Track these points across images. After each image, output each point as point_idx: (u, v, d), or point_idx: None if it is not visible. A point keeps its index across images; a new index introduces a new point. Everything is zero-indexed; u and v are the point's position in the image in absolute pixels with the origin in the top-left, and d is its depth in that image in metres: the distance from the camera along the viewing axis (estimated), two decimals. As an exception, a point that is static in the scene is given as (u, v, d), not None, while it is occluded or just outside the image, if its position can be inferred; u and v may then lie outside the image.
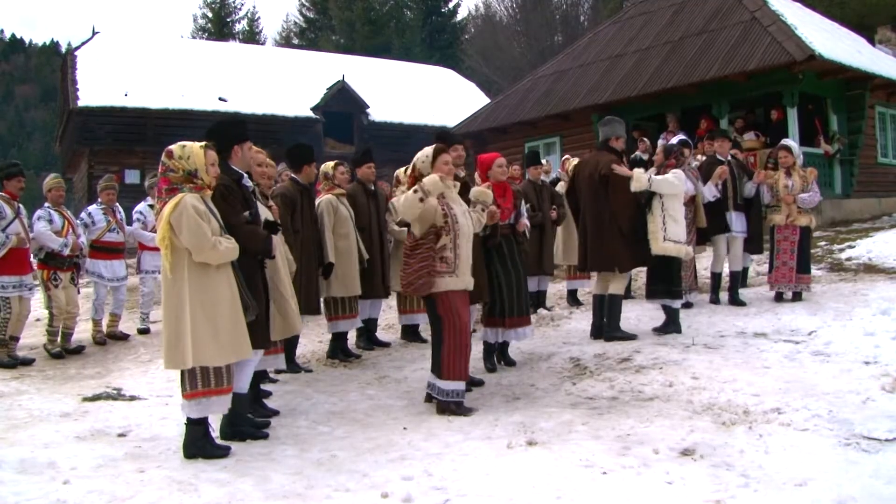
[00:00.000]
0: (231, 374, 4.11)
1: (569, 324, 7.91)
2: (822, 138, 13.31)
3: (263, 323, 4.47)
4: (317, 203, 6.82)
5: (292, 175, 6.70)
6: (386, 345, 7.58)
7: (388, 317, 8.58)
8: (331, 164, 7.08)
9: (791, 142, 8.10)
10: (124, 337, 8.30)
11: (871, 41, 18.37)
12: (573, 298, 9.14)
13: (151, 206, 8.70)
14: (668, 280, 6.78)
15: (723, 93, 13.75)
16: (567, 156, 13.82)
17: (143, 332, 8.56)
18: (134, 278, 9.41)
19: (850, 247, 10.33)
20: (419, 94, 28.40)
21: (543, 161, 13.06)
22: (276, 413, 5.02)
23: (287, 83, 25.65)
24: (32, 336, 7.95)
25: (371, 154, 7.69)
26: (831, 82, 13.49)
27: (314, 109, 25.27)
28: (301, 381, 6.09)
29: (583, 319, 7.98)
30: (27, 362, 7.07)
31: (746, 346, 6.11)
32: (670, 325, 6.74)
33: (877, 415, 4.26)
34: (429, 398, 5.07)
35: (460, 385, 4.93)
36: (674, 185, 6.64)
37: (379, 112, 26.45)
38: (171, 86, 23.28)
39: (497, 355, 6.34)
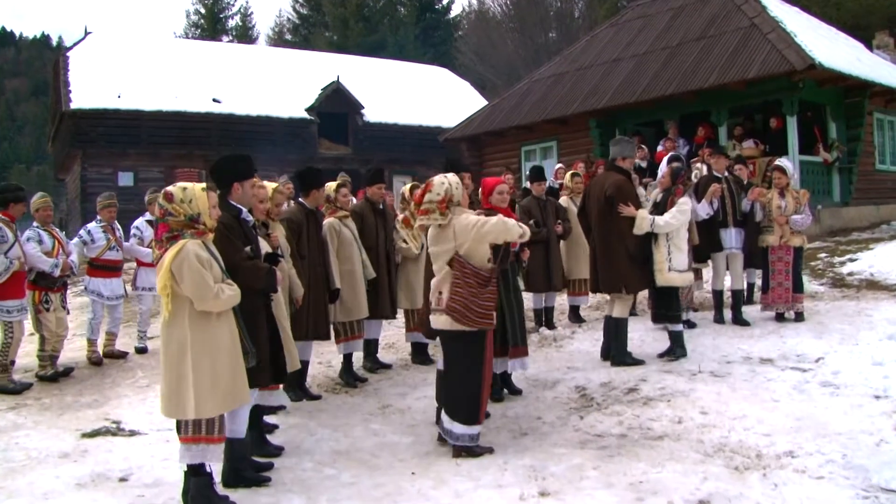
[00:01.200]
0: (223, 424, 4.02)
1: (571, 345, 7.84)
2: (822, 146, 13.26)
3: (266, 362, 4.37)
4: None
5: (299, 199, 6.63)
6: (387, 367, 7.50)
7: (387, 334, 8.50)
8: (332, 185, 6.98)
9: (786, 162, 8.05)
10: (122, 355, 8.20)
11: (869, 45, 18.34)
12: (575, 315, 9.06)
13: (150, 222, 8.60)
14: (667, 305, 6.77)
15: (722, 100, 13.68)
16: (560, 165, 13.83)
17: (141, 350, 8.46)
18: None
19: (852, 260, 10.29)
20: (414, 94, 28.27)
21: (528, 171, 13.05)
22: (280, 451, 4.94)
23: (281, 84, 25.47)
24: (26, 355, 7.81)
25: (382, 175, 7.63)
26: (830, 90, 13.43)
27: (309, 110, 25.10)
28: (304, 411, 6.00)
29: (585, 340, 7.93)
30: (25, 387, 6.95)
31: (754, 375, 6.05)
32: (676, 349, 6.68)
33: (892, 460, 4.21)
34: (442, 440, 4.96)
35: (480, 428, 4.85)
36: (674, 225, 6.63)
37: (374, 113, 26.30)
38: (165, 87, 23.07)
39: (501, 382, 6.27)
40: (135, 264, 8.72)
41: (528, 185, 8.91)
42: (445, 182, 4.86)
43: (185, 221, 3.92)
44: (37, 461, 4.85)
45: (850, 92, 13.63)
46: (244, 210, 4.45)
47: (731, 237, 7.99)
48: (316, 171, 6.75)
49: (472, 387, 4.73)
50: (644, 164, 13.91)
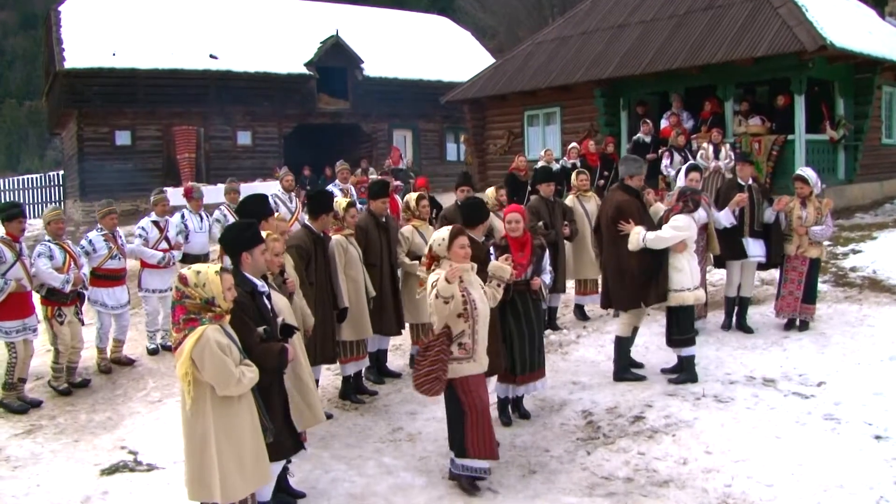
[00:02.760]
0: (254, 499, 4.14)
1: (577, 351, 7.95)
2: (828, 124, 13.14)
3: (285, 434, 4.47)
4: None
5: (306, 222, 6.63)
6: (397, 375, 7.62)
7: (397, 339, 8.58)
8: (342, 203, 6.93)
9: (809, 171, 7.96)
10: (129, 362, 8.31)
11: (881, 12, 17.93)
12: (581, 312, 9.16)
13: (155, 223, 8.60)
14: (675, 327, 6.81)
15: (729, 75, 13.48)
16: (574, 144, 13.72)
17: (153, 352, 8.56)
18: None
19: (855, 252, 10.33)
20: (414, 46, 27.74)
21: (542, 152, 12.97)
22: (302, 496, 5.06)
23: (279, 38, 24.96)
24: (41, 364, 7.91)
25: (387, 189, 7.57)
26: (840, 66, 13.22)
27: (307, 65, 24.66)
28: (317, 436, 6.10)
29: (590, 346, 8.04)
30: (35, 405, 7.07)
31: (756, 402, 6.17)
32: (683, 374, 6.76)
33: (890, 523, 4.35)
34: (452, 476, 5.13)
35: (486, 463, 5.02)
36: (667, 240, 6.60)
37: (373, 67, 25.86)
38: (160, 44, 22.60)
39: (512, 405, 6.40)
40: (139, 266, 8.72)
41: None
42: (433, 239, 5.08)
43: (202, 305, 3.93)
44: (60, 509, 4.99)
45: (860, 68, 13.42)
46: (258, 284, 4.44)
47: (749, 246, 7.96)
48: (327, 195, 6.72)
49: (456, 425, 5.06)
50: (648, 140, 13.83)
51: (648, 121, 13.93)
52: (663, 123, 14.17)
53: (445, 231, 5.06)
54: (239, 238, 4.45)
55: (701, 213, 7.47)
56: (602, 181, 12.96)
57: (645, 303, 6.85)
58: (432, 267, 5.08)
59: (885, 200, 13.79)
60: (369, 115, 26.26)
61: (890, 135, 15.14)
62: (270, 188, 21.73)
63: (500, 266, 5.39)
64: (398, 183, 21.20)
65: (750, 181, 8.00)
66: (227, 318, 4.05)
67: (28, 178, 26.70)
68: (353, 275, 6.82)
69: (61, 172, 27.03)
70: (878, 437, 5.41)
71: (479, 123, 19.71)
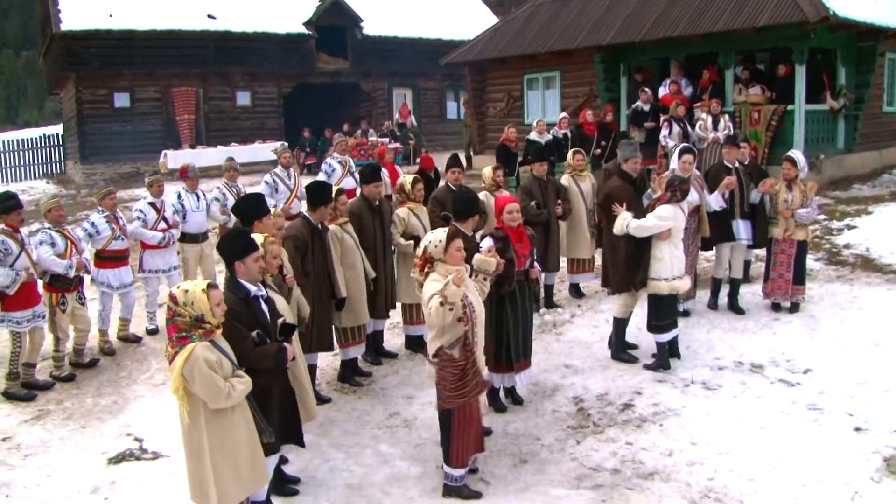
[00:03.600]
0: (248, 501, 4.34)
1: (571, 332, 8.11)
2: (829, 94, 13.07)
3: (286, 423, 4.65)
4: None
5: (304, 213, 6.70)
6: (393, 356, 7.81)
7: (394, 318, 8.73)
8: (333, 190, 7.00)
9: (797, 154, 8.00)
10: (137, 339, 8.51)
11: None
12: (576, 290, 9.29)
13: (151, 204, 8.68)
14: (652, 315, 6.94)
15: (729, 43, 13.36)
16: (564, 115, 13.68)
17: (152, 332, 8.74)
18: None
19: (850, 227, 10.41)
20: (414, 4, 27.28)
21: (534, 122, 12.94)
22: (297, 480, 5.27)
23: (277, -5, 24.64)
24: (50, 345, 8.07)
25: (379, 173, 7.65)
26: (842, 35, 13.09)
27: (307, 24, 24.38)
28: (316, 422, 6.26)
29: (584, 327, 8.20)
30: (47, 387, 7.28)
31: (744, 390, 6.34)
32: (657, 360, 6.90)
33: (863, 520, 4.55)
34: (448, 491, 5.17)
35: (463, 471, 5.15)
36: (649, 229, 6.70)
37: (373, 25, 25.56)
38: (157, 4, 22.33)
39: (505, 391, 6.56)
40: (139, 248, 8.84)
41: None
42: (429, 240, 5.04)
43: (192, 322, 4.07)
44: (70, 501, 5.21)
45: (863, 36, 13.28)
46: (252, 289, 4.56)
47: (739, 229, 8.08)
48: (326, 187, 6.78)
49: (445, 438, 5.10)
50: (647, 108, 13.78)
51: (647, 89, 13.86)
52: (662, 91, 14.11)
53: (441, 233, 5.07)
54: (231, 248, 4.55)
55: (693, 195, 7.57)
56: (598, 150, 12.96)
57: (634, 288, 7.00)
58: (425, 269, 5.14)
59: (884, 170, 13.80)
60: (369, 74, 26.04)
61: (891, 102, 15.06)
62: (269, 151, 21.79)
63: (485, 259, 5.35)
64: (397, 145, 21.28)
65: (737, 164, 8.07)
66: (219, 332, 4.18)
67: (27, 139, 26.53)
68: (350, 262, 6.94)
69: (60, 132, 26.92)
70: (857, 430, 5.59)
71: (478, 86, 19.60)
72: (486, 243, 5.86)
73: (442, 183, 8.50)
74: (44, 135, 27.56)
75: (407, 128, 23.00)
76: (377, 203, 7.43)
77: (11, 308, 6.99)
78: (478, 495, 5.14)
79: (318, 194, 6.59)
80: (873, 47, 13.28)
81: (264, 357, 4.42)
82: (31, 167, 26.10)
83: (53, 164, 26.43)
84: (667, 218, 6.64)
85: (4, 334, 7.47)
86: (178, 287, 4.14)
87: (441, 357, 4.95)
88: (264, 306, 4.62)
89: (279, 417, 4.69)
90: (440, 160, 21.72)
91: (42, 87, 41.66)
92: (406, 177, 7.90)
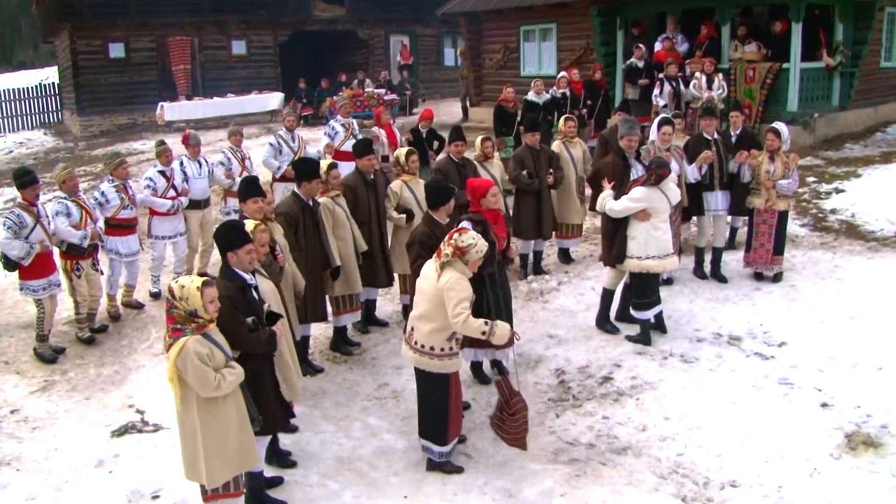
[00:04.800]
0: (239, 478, 4.63)
1: (557, 299, 8.34)
2: (825, 51, 13.01)
3: (274, 413, 4.92)
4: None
5: (294, 190, 6.86)
6: (384, 324, 8.07)
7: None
8: (325, 165, 7.15)
9: (781, 125, 8.09)
10: (140, 306, 8.81)
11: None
12: (565, 255, 9.50)
13: (161, 172, 8.84)
14: (633, 291, 7.15)
15: (727, -1, 13.24)
16: (563, 74, 13.61)
17: (156, 295, 9.01)
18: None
19: (838, 191, 10.54)
20: (411, -54, 26.76)
21: (532, 83, 12.90)
22: (293, 463, 5.57)
23: (272, -61, 24.15)
24: (66, 310, 8.34)
25: (371, 146, 7.78)
26: (841, -10, 12.96)
27: (301, -30, 23.98)
28: (309, 392, 6.58)
29: (570, 294, 8.43)
30: (60, 351, 7.68)
31: (720, 364, 6.60)
32: (640, 336, 7.11)
33: (815, 499, 4.83)
34: (433, 466, 5.44)
35: (451, 446, 5.44)
36: (619, 211, 6.85)
37: (369, -30, 25.13)
38: (150, -49, 21.95)
39: (491, 362, 6.83)
40: (148, 213, 9.03)
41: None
42: (476, 241, 5.05)
43: (186, 316, 4.30)
44: (77, 474, 5.52)
45: (862, -9, 13.14)
46: (247, 278, 4.77)
47: (718, 199, 8.26)
48: (311, 162, 6.93)
49: (439, 417, 5.28)
50: (641, 65, 13.71)
51: (642, 45, 13.77)
52: (657, 47, 14.03)
53: (485, 245, 5.12)
54: (223, 240, 4.78)
55: (673, 166, 7.71)
56: (585, 109, 12.97)
57: (608, 263, 7.22)
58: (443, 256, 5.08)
59: (878, 127, 13.82)
60: (365, 21, 25.72)
61: (889, 57, 14.94)
62: (269, 101, 21.71)
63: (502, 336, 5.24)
64: (394, 96, 21.18)
65: (715, 135, 8.18)
66: (212, 325, 4.41)
67: (24, 89, 26.41)
68: (340, 233, 7.11)
69: (56, 81, 26.76)
70: (824, 405, 5.85)
71: (475, 37, 19.44)
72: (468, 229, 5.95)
73: (444, 154, 8.60)
74: (40, 83, 27.42)
75: (403, 77, 22.87)
76: (371, 177, 7.58)
77: (28, 277, 7.34)
78: (460, 470, 5.44)
79: (304, 170, 6.74)
80: (872, 2, 13.13)
81: (258, 342, 4.67)
82: (28, 116, 26.06)
83: (50, 114, 26.36)
84: (640, 200, 6.76)
85: (25, 303, 7.78)
86: (176, 281, 4.36)
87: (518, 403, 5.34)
88: (255, 294, 4.84)
89: (274, 399, 4.95)
90: (437, 109, 21.68)
91: (37, 25, 41.17)
92: (401, 150, 8.01)
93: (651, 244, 6.84)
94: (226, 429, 4.43)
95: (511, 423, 5.35)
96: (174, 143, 10.44)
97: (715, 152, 8.09)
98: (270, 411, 4.90)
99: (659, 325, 7.24)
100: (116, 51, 22.09)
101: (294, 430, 5.76)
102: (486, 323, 4.99)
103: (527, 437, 5.41)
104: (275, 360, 5.13)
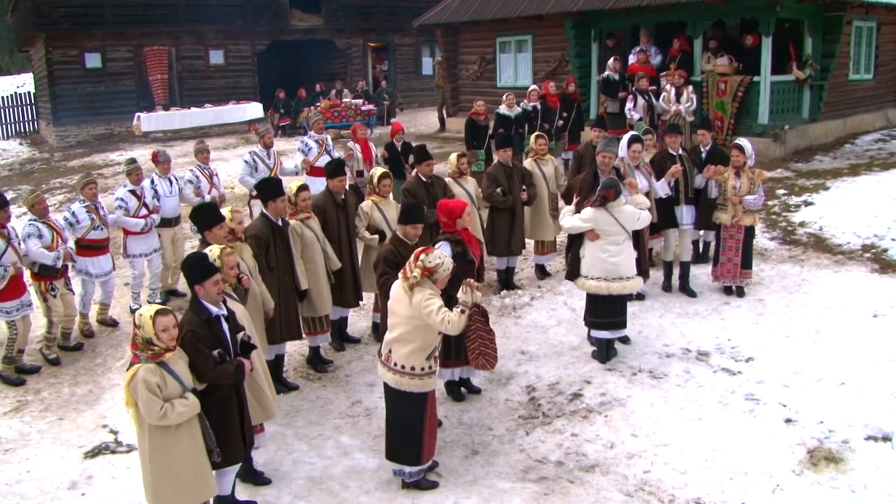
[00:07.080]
0: (209, 504, 4.69)
1: (529, 314, 8.42)
2: (795, 64, 13.24)
3: (238, 442, 4.95)
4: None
5: (263, 210, 6.89)
6: (356, 341, 8.12)
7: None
8: (293, 187, 7.17)
9: (745, 141, 8.25)
10: (114, 324, 8.78)
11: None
12: (541, 270, 9.59)
13: (132, 192, 8.81)
14: (586, 310, 7.23)
15: (699, 12, 13.43)
16: (534, 87, 13.75)
17: (135, 311, 8.99)
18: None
19: (807, 203, 10.72)
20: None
21: (504, 97, 13.02)
22: (267, 482, 5.60)
23: (249, -51, 24.14)
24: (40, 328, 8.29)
25: (343, 167, 7.81)
26: (809, 5, 13.18)
27: (279, -21, 24.00)
28: (282, 410, 6.60)
29: (543, 310, 8.51)
30: (34, 370, 7.64)
31: (687, 380, 6.72)
32: (596, 353, 7.20)
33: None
34: (406, 486, 5.49)
35: (426, 466, 5.51)
36: (568, 229, 7.04)
37: (347, -20, 25.21)
38: (126, -40, 21.88)
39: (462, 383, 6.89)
40: (122, 233, 9.01)
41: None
42: (442, 261, 5.15)
43: (143, 343, 4.38)
44: (49, 497, 5.52)
45: (831, 6, 13.37)
46: (214, 310, 4.80)
47: (683, 214, 8.40)
48: (273, 182, 6.99)
49: (413, 436, 5.33)
50: (617, 77, 13.87)
51: (618, 57, 13.94)
52: (631, 59, 14.21)
53: (451, 263, 5.24)
54: (191, 273, 4.81)
55: (642, 182, 7.84)
56: (561, 122, 13.10)
57: (566, 277, 7.43)
58: (410, 276, 5.14)
59: (847, 139, 14.08)
60: (343, 30, 25.78)
61: (857, 70, 15.24)
62: (247, 111, 21.67)
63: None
64: (371, 107, 21.24)
65: (680, 150, 8.33)
66: (169, 354, 4.46)
67: (0, 98, 26.19)
68: (309, 256, 7.16)
69: (32, 90, 26.55)
70: (788, 421, 5.98)
71: (451, 48, 19.56)
72: (445, 250, 6.02)
73: (413, 174, 8.65)
74: (16, 93, 27.18)
75: (381, 88, 22.95)
76: (342, 197, 7.63)
77: (1, 299, 7.28)
78: (435, 485, 5.50)
79: (267, 190, 6.79)
80: (840, 18, 13.38)
81: (224, 375, 4.70)
82: (4, 126, 25.81)
83: (26, 123, 26.14)
84: (587, 220, 6.83)
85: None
86: (140, 308, 4.43)
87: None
88: (225, 325, 4.87)
89: (239, 429, 4.97)
90: (415, 118, 21.68)
91: (13, 29, 40.81)
92: (376, 170, 8.07)
93: (596, 265, 6.86)
94: (176, 458, 4.51)
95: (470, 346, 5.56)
96: (149, 156, 10.42)
97: (681, 167, 8.23)
98: (235, 441, 4.92)
99: (621, 339, 7.36)
100: (93, 61, 21.96)
101: (250, 460, 5.69)
102: (462, 311, 5.07)
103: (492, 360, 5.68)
104: (245, 384, 5.17)
